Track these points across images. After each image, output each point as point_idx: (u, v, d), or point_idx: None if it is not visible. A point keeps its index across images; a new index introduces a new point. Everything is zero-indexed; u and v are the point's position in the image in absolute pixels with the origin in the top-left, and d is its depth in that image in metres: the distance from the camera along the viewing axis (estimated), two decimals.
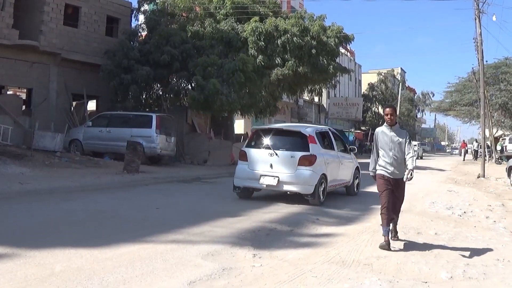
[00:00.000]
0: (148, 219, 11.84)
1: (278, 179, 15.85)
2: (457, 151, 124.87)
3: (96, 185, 19.08)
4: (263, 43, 33.95)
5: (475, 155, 62.81)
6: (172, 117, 31.32)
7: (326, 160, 16.71)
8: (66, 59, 31.54)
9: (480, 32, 35.59)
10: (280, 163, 16.07)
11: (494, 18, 40.80)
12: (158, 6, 37.57)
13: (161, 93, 35.88)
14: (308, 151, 15.99)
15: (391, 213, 10.36)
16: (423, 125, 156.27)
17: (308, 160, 15.80)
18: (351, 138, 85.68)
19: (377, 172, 10.50)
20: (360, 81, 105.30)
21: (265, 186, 16.14)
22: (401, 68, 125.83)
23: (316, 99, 68.11)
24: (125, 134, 27.63)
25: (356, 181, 19.72)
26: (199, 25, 35.95)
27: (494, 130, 61.95)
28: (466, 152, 65.18)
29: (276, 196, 17.43)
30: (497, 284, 7.54)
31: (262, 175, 16.06)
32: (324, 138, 17.69)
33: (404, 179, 10.10)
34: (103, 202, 14.61)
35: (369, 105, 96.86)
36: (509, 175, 27.06)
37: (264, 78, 34.17)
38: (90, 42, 33.34)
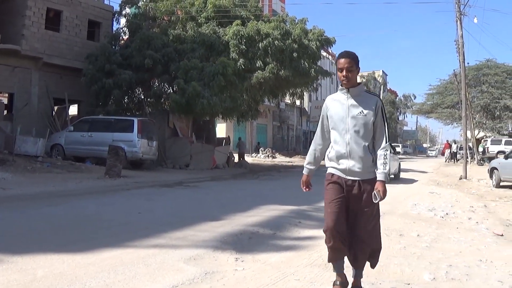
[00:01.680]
0: (130, 224, 11.80)
1: None
2: (433, 153, 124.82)
3: (78, 190, 19.01)
4: (244, 47, 33.99)
5: (454, 156, 62.67)
6: (153, 121, 31.39)
7: None
8: (47, 63, 31.58)
9: (462, 34, 35.88)
10: None
11: (475, 20, 41.37)
12: (139, 10, 37.54)
13: (142, 97, 35.82)
14: None
15: (344, 243, 6.35)
16: (405, 128, 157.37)
17: None
18: None
19: (327, 171, 6.60)
20: None
21: None
22: (382, 70, 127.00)
23: (297, 102, 68.37)
24: (106, 138, 27.68)
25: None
26: (181, 29, 36.01)
27: (476, 132, 62.21)
28: (451, 153, 64.17)
29: (258, 199, 17.74)
30: (479, 285, 7.56)
31: None
32: None
33: (375, 200, 6.10)
34: (85, 207, 14.53)
35: None
36: (491, 176, 27.26)
37: (245, 81, 34.25)
38: (71, 46, 33.36)
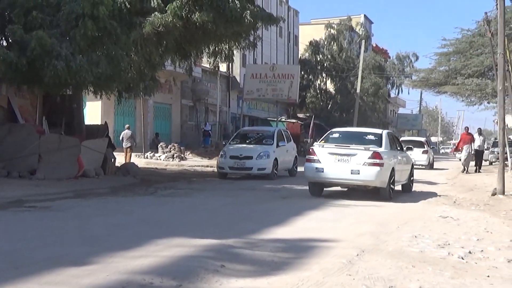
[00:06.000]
0: None
1: None
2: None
3: None
4: None
5: (478, 159, 58.54)
6: None
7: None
8: None
9: None
10: None
11: None
12: None
13: None
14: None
15: None
16: (401, 110, 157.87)
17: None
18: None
19: None
20: (296, 38, 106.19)
21: None
22: (364, 15, 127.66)
23: (223, 67, 68.34)
24: None
25: None
26: None
27: None
28: (471, 153, 59.47)
29: (154, 229, 17.71)
30: None
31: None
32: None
33: None
34: None
35: (311, 77, 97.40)
36: None
37: (134, 30, 33.71)
38: None
